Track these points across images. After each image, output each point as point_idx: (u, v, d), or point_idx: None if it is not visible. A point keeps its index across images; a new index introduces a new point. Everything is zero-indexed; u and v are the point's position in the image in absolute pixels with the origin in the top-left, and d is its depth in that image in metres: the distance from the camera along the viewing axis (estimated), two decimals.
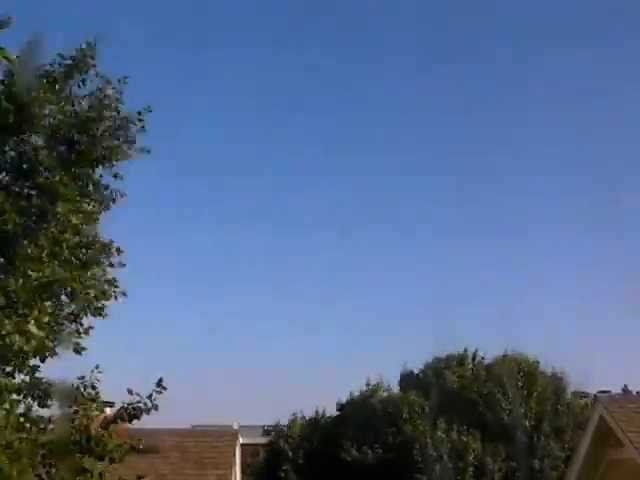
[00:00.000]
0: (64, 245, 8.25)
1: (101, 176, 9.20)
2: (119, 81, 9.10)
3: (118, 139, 9.10)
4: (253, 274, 57.72)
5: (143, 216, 48.21)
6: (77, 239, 8.64)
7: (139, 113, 9.18)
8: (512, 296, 48.24)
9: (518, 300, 48.78)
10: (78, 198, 8.80)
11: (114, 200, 9.28)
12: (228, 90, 57.97)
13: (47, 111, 8.73)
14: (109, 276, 9.15)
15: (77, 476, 8.25)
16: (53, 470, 8.18)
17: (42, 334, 7.72)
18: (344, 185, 56.59)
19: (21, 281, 7.77)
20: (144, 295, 53.88)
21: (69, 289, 8.67)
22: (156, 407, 8.77)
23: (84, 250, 8.88)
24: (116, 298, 9.08)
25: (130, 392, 8.70)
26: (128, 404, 8.74)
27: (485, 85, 56.11)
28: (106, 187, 9.24)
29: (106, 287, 9.04)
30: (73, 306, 8.81)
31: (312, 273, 57.66)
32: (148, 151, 9.37)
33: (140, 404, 8.72)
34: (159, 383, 8.73)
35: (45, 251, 8.02)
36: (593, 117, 54.98)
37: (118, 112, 9.09)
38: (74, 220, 8.41)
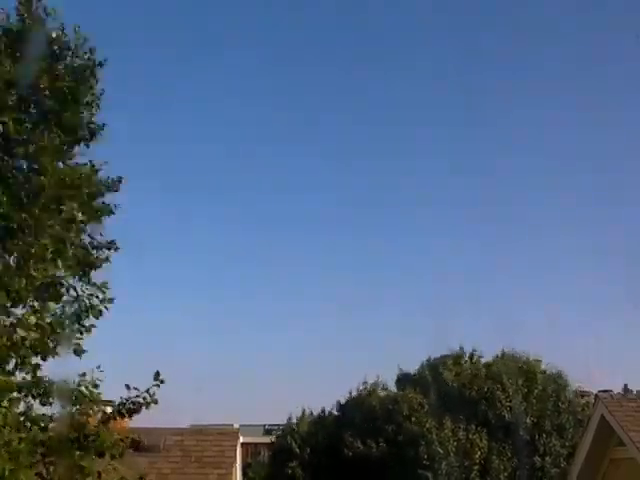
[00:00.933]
0: (68, 244, 8.25)
1: (82, 113, 9.20)
2: (75, 30, 9.12)
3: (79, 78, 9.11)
4: (253, 274, 57.73)
5: (143, 216, 48.18)
6: (82, 238, 8.65)
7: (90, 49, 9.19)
8: (512, 296, 48.26)
9: (518, 300, 48.79)
10: (63, 146, 8.83)
11: (92, 135, 9.26)
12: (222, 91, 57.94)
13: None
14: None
15: (76, 474, 8.27)
16: (52, 468, 8.19)
17: (44, 324, 7.72)
18: (344, 185, 56.56)
19: (24, 281, 7.77)
20: (144, 295, 53.92)
21: (72, 291, 8.70)
22: (156, 401, 8.79)
23: (88, 251, 8.89)
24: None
25: (128, 387, 8.73)
26: (127, 399, 8.76)
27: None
28: (89, 123, 9.24)
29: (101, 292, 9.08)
30: (75, 306, 8.82)
31: (312, 273, 57.68)
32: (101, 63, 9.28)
33: (139, 399, 8.74)
34: (156, 377, 8.75)
35: (49, 250, 8.01)
36: None
37: (76, 56, 9.13)
38: (79, 216, 8.39)
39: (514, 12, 52.74)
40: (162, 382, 8.73)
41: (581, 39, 54.74)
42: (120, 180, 9.31)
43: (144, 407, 8.78)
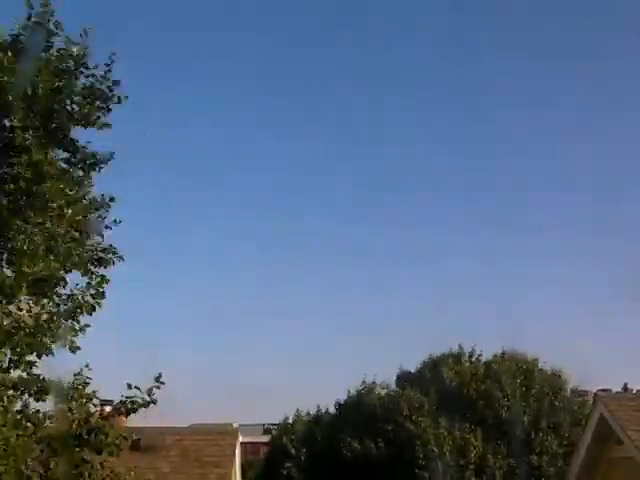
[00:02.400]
0: (60, 240, 8.25)
1: (88, 142, 9.14)
2: (81, 35, 8.91)
3: (92, 97, 8.97)
4: (253, 274, 57.70)
5: (142, 215, 48.15)
6: (73, 234, 8.65)
7: (107, 65, 9.00)
8: (512, 296, 48.26)
9: (518, 300, 48.79)
10: (65, 167, 8.78)
11: (102, 162, 9.17)
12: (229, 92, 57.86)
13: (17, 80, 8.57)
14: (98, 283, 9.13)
15: (76, 469, 8.29)
16: (52, 464, 8.21)
17: (38, 320, 7.74)
18: (344, 185, 56.56)
19: (14, 276, 7.79)
20: (144, 295, 53.90)
21: (66, 286, 8.72)
22: (155, 402, 8.81)
23: (81, 249, 8.88)
24: (113, 263, 9.11)
25: (130, 386, 8.75)
26: (127, 397, 8.78)
27: None
28: (84, 147, 9.14)
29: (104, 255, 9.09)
30: (69, 303, 8.83)
31: (312, 273, 57.62)
32: (126, 97, 9.16)
33: (138, 399, 8.76)
34: (158, 378, 8.77)
35: (41, 247, 8.02)
36: None
37: (87, 67, 8.94)
38: (69, 213, 8.39)
39: None
40: (163, 383, 8.76)
41: None
42: (112, 199, 9.30)
43: (143, 407, 8.80)
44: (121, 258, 9.24)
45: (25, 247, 8.01)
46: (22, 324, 8.03)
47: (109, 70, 9.02)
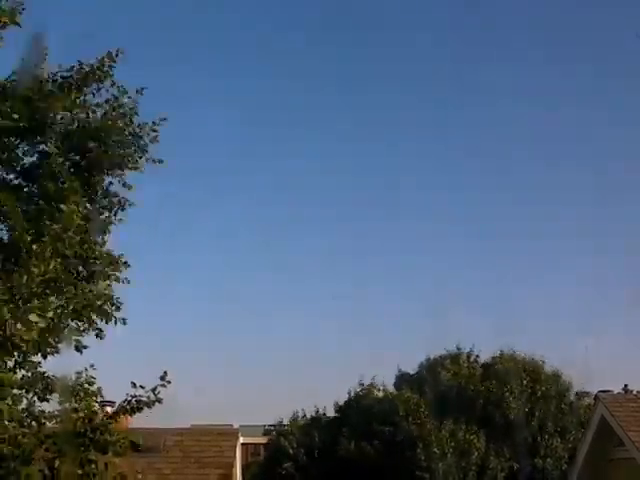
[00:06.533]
0: (66, 242, 8.26)
1: (111, 183, 9.20)
2: (137, 92, 9.06)
3: (130, 148, 9.05)
4: (253, 274, 57.74)
5: (143, 214, 48.10)
6: (80, 237, 8.65)
7: (153, 123, 9.12)
8: (512, 296, 48.27)
9: (518, 300, 48.81)
10: (87, 206, 8.83)
11: (122, 208, 9.27)
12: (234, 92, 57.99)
13: (60, 117, 8.72)
14: (111, 292, 9.16)
15: (81, 468, 8.30)
16: (57, 463, 8.22)
17: (43, 324, 7.74)
18: (345, 185, 56.56)
19: (25, 277, 7.79)
20: (144, 294, 53.88)
21: (72, 289, 8.72)
22: (160, 400, 8.82)
23: (87, 250, 8.90)
24: (115, 323, 9.04)
25: (134, 385, 8.76)
26: (132, 396, 8.79)
27: None
28: (115, 195, 9.24)
29: (107, 306, 9.05)
30: (76, 302, 8.83)
31: (312, 272, 57.67)
32: (160, 161, 9.32)
33: (144, 397, 8.77)
34: (163, 377, 8.77)
35: (49, 248, 8.03)
36: None
37: (132, 121, 9.03)
38: (77, 220, 8.41)
39: None
40: (169, 382, 8.78)
41: None
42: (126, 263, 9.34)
43: (148, 406, 8.81)
44: (118, 308, 9.19)
45: (33, 248, 8.02)
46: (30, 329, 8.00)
47: (156, 133, 9.12)
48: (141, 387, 8.74)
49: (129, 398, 8.78)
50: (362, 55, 56.14)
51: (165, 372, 8.78)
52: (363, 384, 31.59)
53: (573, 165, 54.47)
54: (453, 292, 47.51)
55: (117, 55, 8.83)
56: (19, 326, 7.53)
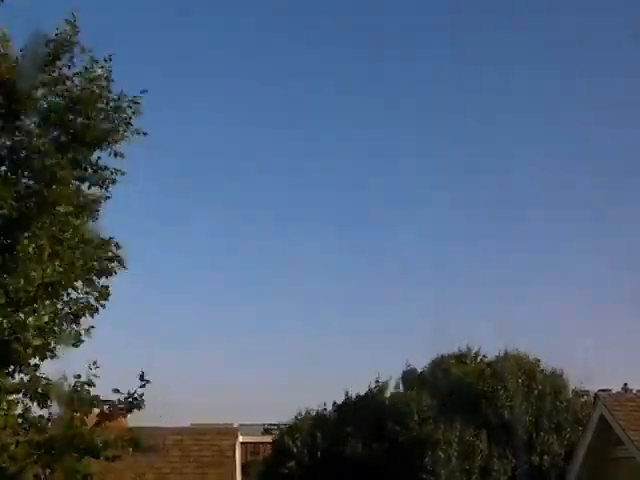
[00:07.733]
0: (65, 244, 8.24)
1: (99, 158, 9.05)
2: (105, 60, 8.95)
3: (113, 121, 8.93)
4: (253, 274, 57.67)
5: (142, 212, 48.11)
6: (77, 238, 8.63)
7: (134, 97, 8.97)
8: (512, 295, 48.23)
9: (518, 299, 48.76)
10: (76, 182, 8.74)
11: (114, 181, 9.12)
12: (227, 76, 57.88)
13: (38, 93, 8.62)
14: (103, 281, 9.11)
15: (73, 476, 8.26)
16: (48, 471, 8.18)
17: (41, 323, 7.73)
18: (345, 185, 56.47)
19: (22, 281, 7.77)
20: (144, 294, 53.85)
21: (69, 290, 8.69)
22: (141, 405, 8.78)
23: (83, 246, 8.84)
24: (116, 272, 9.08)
25: (117, 391, 8.75)
26: (117, 400, 8.76)
27: None
28: (104, 168, 9.07)
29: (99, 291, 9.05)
30: (73, 306, 8.81)
31: (312, 273, 57.63)
32: (144, 133, 9.16)
33: (129, 399, 8.73)
34: (142, 377, 8.71)
35: (46, 251, 8.01)
36: None
37: (109, 91, 8.92)
38: (75, 222, 8.39)
39: None
40: (148, 382, 8.72)
41: None
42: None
43: (132, 410, 8.78)
44: (124, 267, 9.19)
45: (30, 251, 7.99)
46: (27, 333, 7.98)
47: (137, 102, 9.00)
48: (117, 391, 8.68)
49: (114, 402, 8.74)
50: (362, 55, 56.06)
51: (142, 372, 8.72)
52: (370, 382, 31.48)
53: (573, 165, 54.44)
54: (453, 292, 47.49)
55: (75, 21, 8.75)
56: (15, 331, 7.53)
